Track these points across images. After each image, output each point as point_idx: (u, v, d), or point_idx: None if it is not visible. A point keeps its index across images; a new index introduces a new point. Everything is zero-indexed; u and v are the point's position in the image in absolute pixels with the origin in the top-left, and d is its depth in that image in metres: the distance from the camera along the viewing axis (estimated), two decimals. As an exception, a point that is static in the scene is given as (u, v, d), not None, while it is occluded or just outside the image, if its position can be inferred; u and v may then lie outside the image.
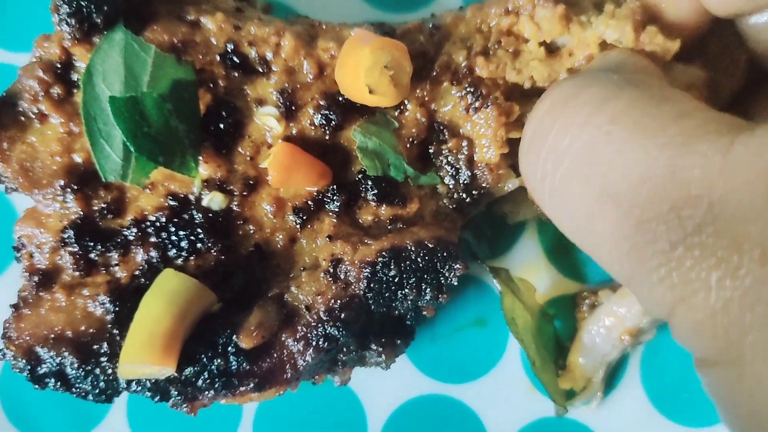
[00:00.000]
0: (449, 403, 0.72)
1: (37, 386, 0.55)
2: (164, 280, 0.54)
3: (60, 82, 0.57)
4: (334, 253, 0.57)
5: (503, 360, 0.72)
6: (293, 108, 0.58)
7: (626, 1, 0.55)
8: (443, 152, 0.59)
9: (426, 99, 0.58)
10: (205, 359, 0.55)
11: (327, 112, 0.57)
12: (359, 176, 0.58)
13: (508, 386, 0.72)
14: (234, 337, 0.55)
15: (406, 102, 0.58)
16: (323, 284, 0.56)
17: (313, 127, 0.58)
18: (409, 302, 0.56)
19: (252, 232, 0.58)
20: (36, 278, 0.57)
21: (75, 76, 0.57)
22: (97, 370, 0.55)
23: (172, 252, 0.57)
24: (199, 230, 0.57)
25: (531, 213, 0.69)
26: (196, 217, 0.57)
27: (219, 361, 0.55)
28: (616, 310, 0.69)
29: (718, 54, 0.57)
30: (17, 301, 0.57)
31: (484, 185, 0.59)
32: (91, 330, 0.56)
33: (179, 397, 0.55)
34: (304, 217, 0.58)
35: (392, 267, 0.55)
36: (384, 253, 0.55)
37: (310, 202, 0.58)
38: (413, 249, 0.55)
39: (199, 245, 0.57)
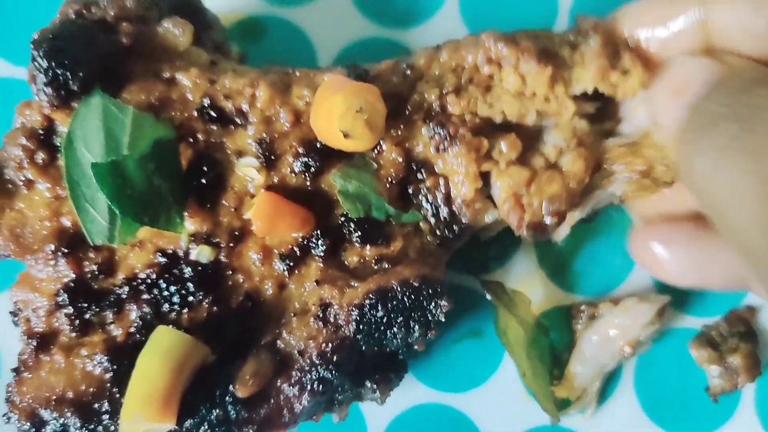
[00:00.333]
0: (447, 412, 0.73)
1: (42, 448, 0.57)
2: (158, 338, 0.55)
3: (43, 148, 0.58)
4: (323, 297, 0.58)
5: (500, 370, 0.74)
6: (273, 157, 0.58)
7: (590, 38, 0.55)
8: (422, 191, 0.59)
9: (401, 138, 0.59)
10: (203, 410, 0.56)
11: (306, 158, 0.58)
12: (342, 219, 0.59)
13: (504, 395, 0.73)
14: (231, 386, 0.56)
15: (381, 142, 0.58)
16: (314, 329, 0.57)
17: (293, 175, 0.59)
18: (399, 340, 0.57)
19: (241, 281, 0.59)
20: (34, 341, 0.58)
21: (58, 141, 0.58)
22: (100, 429, 0.56)
23: (165, 307, 0.58)
24: (190, 284, 0.58)
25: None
26: (186, 271, 0.58)
27: (218, 411, 0.56)
28: (618, 322, 0.70)
29: None
30: (18, 365, 0.58)
31: (463, 220, 0.59)
32: (92, 389, 0.57)
33: (182, 450, 0.57)
34: (291, 264, 0.58)
35: (380, 308, 0.56)
36: (371, 294, 0.56)
37: (295, 249, 0.58)
38: (399, 289, 0.56)
39: (190, 298, 0.58)
